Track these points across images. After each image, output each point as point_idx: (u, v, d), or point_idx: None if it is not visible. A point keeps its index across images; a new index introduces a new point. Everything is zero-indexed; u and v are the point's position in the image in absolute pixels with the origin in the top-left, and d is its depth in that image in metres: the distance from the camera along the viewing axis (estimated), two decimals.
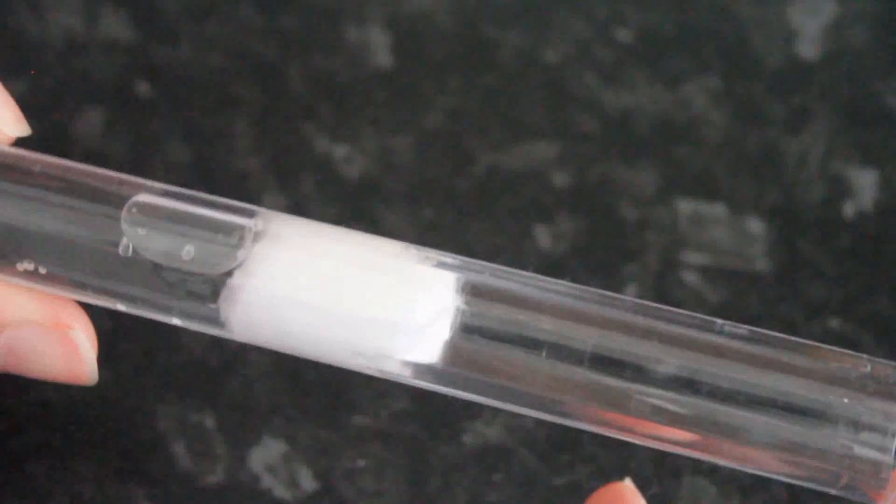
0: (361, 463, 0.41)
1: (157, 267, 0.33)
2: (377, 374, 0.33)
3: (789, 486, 0.33)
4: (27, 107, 0.36)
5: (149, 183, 0.34)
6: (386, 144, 0.47)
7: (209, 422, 0.42)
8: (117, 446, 0.41)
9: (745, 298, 0.45)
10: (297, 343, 0.33)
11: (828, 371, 0.32)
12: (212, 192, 0.44)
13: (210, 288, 0.33)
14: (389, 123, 0.48)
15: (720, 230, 0.46)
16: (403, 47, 0.49)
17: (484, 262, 0.33)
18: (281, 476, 0.41)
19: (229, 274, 0.33)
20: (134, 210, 0.33)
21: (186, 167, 0.47)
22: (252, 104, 0.48)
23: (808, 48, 0.50)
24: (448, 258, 0.33)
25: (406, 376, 0.33)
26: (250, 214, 0.33)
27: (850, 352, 0.32)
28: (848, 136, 0.48)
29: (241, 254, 0.33)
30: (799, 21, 0.50)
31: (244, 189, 0.46)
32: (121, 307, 0.34)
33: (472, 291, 0.33)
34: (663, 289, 0.45)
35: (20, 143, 0.35)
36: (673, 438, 0.32)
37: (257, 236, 0.33)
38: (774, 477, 0.32)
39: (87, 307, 0.35)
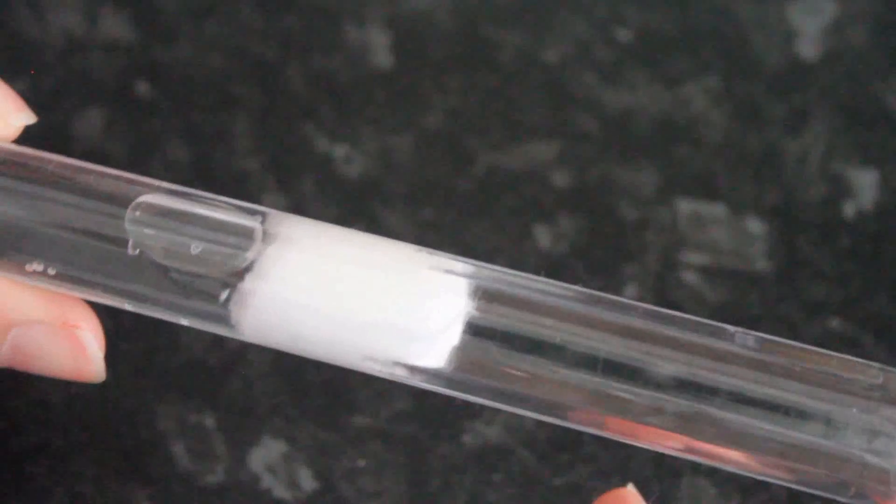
0: (361, 463, 0.41)
1: (164, 267, 0.33)
2: (386, 377, 0.33)
3: (789, 486, 0.33)
4: (27, 107, 0.36)
5: (157, 182, 0.34)
6: (386, 144, 0.47)
7: (209, 422, 0.42)
8: (117, 446, 0.41)
9: (745, 298, 0.45)
10: (308, 346, 0.33)
11: (839, 380, 0.32)
12: (212, 192, 0.44)
13: (219, 289, 0.33)
14: (389, 123, 0.48)
15: (720, 230, 0.46)
16: (403, 47, 0.49)
17: (496, 267, 0.33)
18: (281, 476, 0.41)
19: (238, 275, 0.33)
20: (139, 210, 0.33)
21: (186, 167, 0.47)
22: (252, 104, 0.48)
23: (808, 48, 0.50)
24: (459, 262, 0.33)
25: (416, 381, 0.33)
26: (259, 215, 0.33)
27: (861, 360, 0.32)
28: (848, 136, 0.48)
29: (249, 255, 0.33)
30: (799, 21, 0.50)
31: (244, 189, 0.46)
32: (129, 307, 0.34)
33: (484, 297, 0.32)
34: (663, 289, 0.45)
35: (23, 142, 0.35)
36: (683, 446, 0.32)
37: (266, 238, 0.33)
38: (784, 484, 0.32)
39: (90, 306, 0.35)
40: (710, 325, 0.32)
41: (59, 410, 0.42)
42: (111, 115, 0.48)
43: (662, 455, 0.33)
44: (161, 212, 0.33)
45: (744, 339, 0.32)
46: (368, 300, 0.32)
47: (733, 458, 0.32)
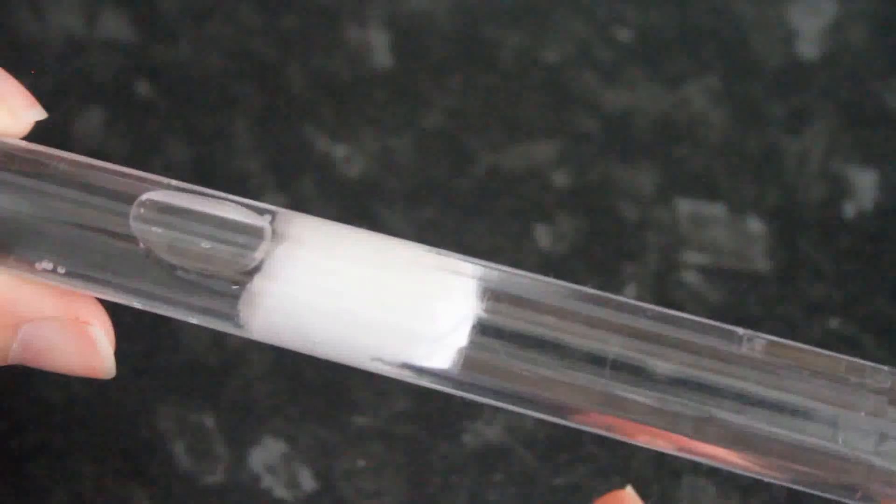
0: (361, 463, 0.41)
1: (171, 266, 0.33)
2: (394, 377, 0.33)
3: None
4: (37, 103, 0.36)
5: (166, 180, 0.34)
6: (386, 144, 0.47)
7: (209, 422, 0.42)
8: (117, 446, 0.41)
9: (745, 298, 0.45)
10: (316, 347, 0.33)
11: (847, 382, 0.31)
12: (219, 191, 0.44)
13: (227, 288, 0.33)
14: (389, 123, 0.48)
15: (720, 230, 0.46)
16: (403, 47, 0.49)
17: (504, 267, 0.33)
18: (281, 476, 0.41)
19: (247, 275, 0.32)
20: (143, 208, 0.33)
21: (186, 167, 0.47)
22: (252, 104, 0.48)
23: (808, 48, 0.50)
24: (468, 263, 0.33)
25: (424, 381, 0.33)
26: (268, 214, 0.33)
27: (869, 363, 0.32)
28: (848, 136, 0.48)
29: (258, 254, 0.32)
30: (799, 21, 0.50)
31: (244, 189, 0.46)
32: (137, 305, 0.34)
33: (493, 298, 0.32)
34: (663, 289, 0.45)
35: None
36: (688, 447, 0.32)
37: (275, 237, 0.33)
38: (791, 487, 0.32)
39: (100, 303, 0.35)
40: (718, 327, 0.32)
41: (59, 410, 0.42)
42: (111, 115, 0.48)
43: (663, 455, 0.33)
44: (168, 209, 0.33)
45: (751, 340, 0.32)
46: (377, 301, 0.32)
47: (740, 460, 0.32)
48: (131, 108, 0.48)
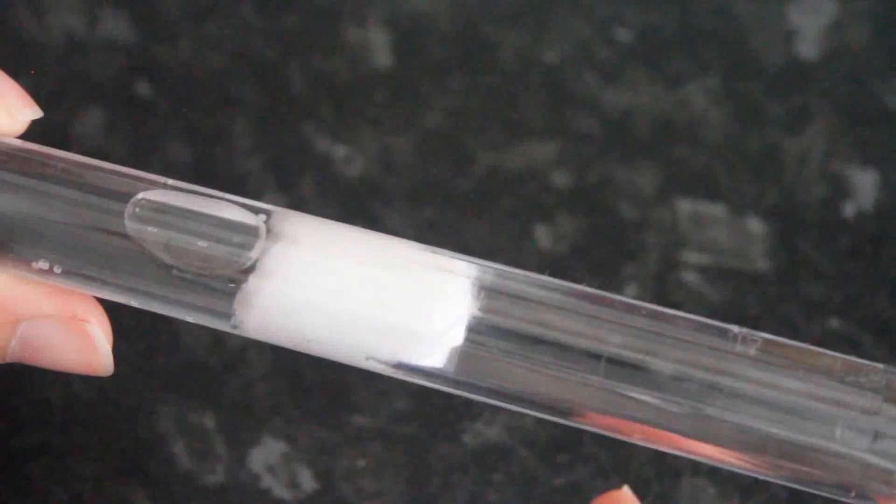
0: (361, 463, 0.41)
1: (167, 265, 0.33)
2: (390, 376, 0.33)
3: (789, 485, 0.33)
4: (33, 102, 0.36)
5: (162, 179, 0.34)
6: (386, 144, 0.47)
7: (209, 422, 0.42)
8: (117, 446, 0.41)
9: (745, 298, 0.45)
10: (311, 345, 0.33)
11: (842, 380, 0.31)
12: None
13: (223, 287, 0.33)
14: (389, 123, 0.48)
15: (720, 230, 0.46)
16: (403, 47, 0.49)
17: (500, 266, 0.33)
18: (281, 476, 0.41)
19: (242, 273, 0.32)
20: (138, 207, 0.33)
21: (186, 167, 0.47)
22: (252, 104, 0.48)
23: (808, 48, 0.50)
24: (464, 261, 0.33)
25: (419, 380, 0.33)
26: (263, 213, 0.33)
27: (865, 361, 0.32)
28: (848, 136, 0.48)
29: (253, 253, 0.32)
30: (799, 21, 0.50)
31: (244, 189, 0.46)
32: (134, 304, 0.34)
33: (489, 296, 0.32)
34: (663, 289, 0.45)
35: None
36: (684, 445, 0.32)
37: (270, 235, 0.33)
38: (786, 485, 0.32)
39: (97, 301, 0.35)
40: (713, 325, 0.32)
41: (59, 410, 0.42)
42: (111, 115, 0.48)
43: (662, 455, 0.33)
44: (163, 208, 0.33)
45: (746, 339, 0.32)
46: (372, 299, 0.32)
47: (735, 458, 0.32)
48: (131, 108, 0.48)
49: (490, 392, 0.32)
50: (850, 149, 0.48)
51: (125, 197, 0.33)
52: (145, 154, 0.47)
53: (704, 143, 0.48)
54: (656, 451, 0.33)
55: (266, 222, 0.33)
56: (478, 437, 0.42)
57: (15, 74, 0.35)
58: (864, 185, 0.47)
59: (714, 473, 0.41)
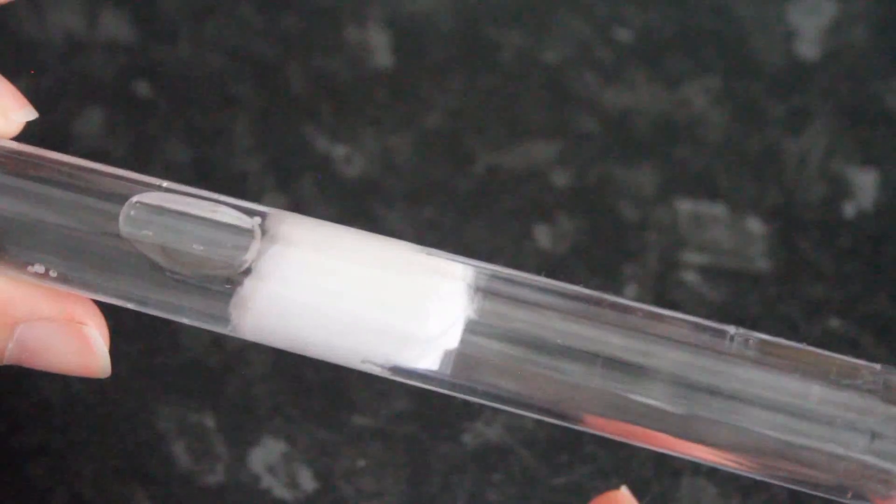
0: (361, 463, 0.41)
1: (162, 267, 0.33)
2: (387, 377, 0.33)
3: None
4: (28, 103, 0.36)
5: (157, 181, 0.34)
6: (386, 144, 0.47)
7: (209, 422, 0.42)
8: (117, 446, 0.41)
9: (745, 298, 0.45)
10: (307, 347, 0.33)
11: (839, 380, 0.31)
12: (212, 192, 0.44)
13: (219, 288, 0.33)
14: (389, 123, 0.48)
15: (720, 230, 0.46)
16: (403, 47, 0.49)
17: (497, 267, 0.33)
18: (281, 476, 0.41)
19: (238, 275, 0.32)
20: (134, 210, 0.33)
21: (186, 167, 0.47)
22: (252, 104, 0.48)
23: (808, 48, 0.50)
24: (461, 263, 0.33)
25: (416, 382, 0.33)
26: (258, 215, 0.33)
27: (862, 361, 0.32)
28: (848, 136, 0.48)
29: (249, 255, 0.32)
30: (799, 21, 0.50)
31: (244, 189, 0.46)
32: (131, 306, 0.34)
33: (486, 298, 0.32)
34: (663, 289, 0.45)
35: (22, 141, 0.35)
36: (682, 446, 0.32)
37: (266, 237, 0.33)
38: (784, 485, 0.32)
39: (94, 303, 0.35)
40: (710, 326, 0.32)
41: (59, 410, 0.42)
42: (111, 115, 0.48)
43: (662, 455, 0.33)
44: (158, 211, 0.33)
45: (743, 339, 0.32)
46: (368, 302, 0.32)
47: (733, 459, 0.32)
48: (131, 108, 0.48)
49: (487, 394, 0.32)
50: (850, 149, 0.48)
51: (121, 199, 0.33)
52: (145, 154, 0.47)
53: (704, 143, 0.48)
54: (656, 451, 0.33)
55: (262, 224, 0.33)
56: (478, 437, 0.42)
57: (15, 74, 0.35)
58: (864, 185, 0.47)
59: (714, 473, 0.41)
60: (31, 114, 0.34)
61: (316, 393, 0.42)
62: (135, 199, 0.33)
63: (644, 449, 0.33)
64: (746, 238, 0.46)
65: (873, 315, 0.44)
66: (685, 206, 0.46)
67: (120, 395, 0.42)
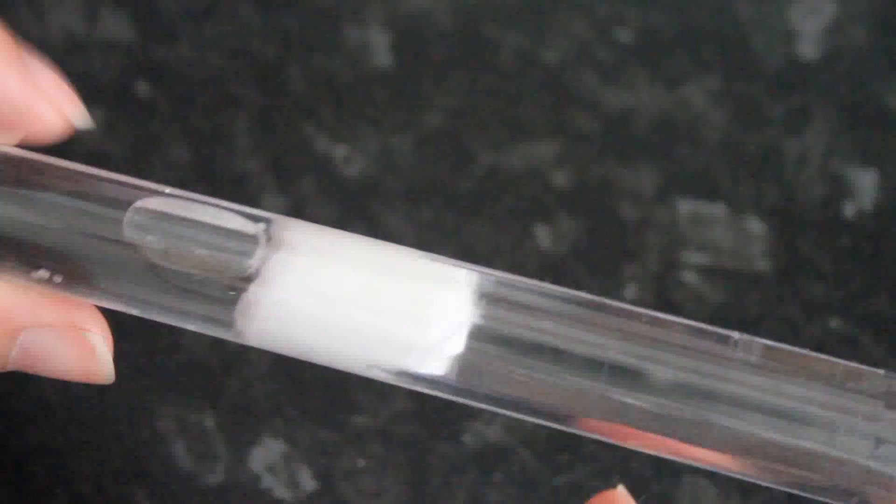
0: (361, 463, 0.41)
1: (167, 273, 0.33)
2: (391, 383, 0.33)
3: None
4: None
5: (160, 187, 0.34)
6: (386, 144, 0.47)
7: (209, 422, 0.42)
8: (117, 446, 0.41)
9: (745, 298, 0.45)
10: (311, 353, 0.33)
11: (843, 386, 0.31)
12: (212, 192, 0.44)
13: (223, 294, 0.33)
14: (389, 123, 0.48)
15: (720, 230, 0.46)
16: (403, 47, 0.49)
17: (500, 273, 0.33)
18: (281, 476, 0.41)
19: (242, 281, 0.32)
20: (137, 215, 0.33)
21: (186, 167, 0.47)
22: (252, 104, 0.48)
23: (808, 48, 0.50)
24: (464, 268, 0.33)
25: (421, 387, 0.33)
26: (262, 221, 0.33)
27: (866, 367, 0.32)
28: (848, 136, 0.48)
29: (253, 261, 0.32)
30: (799, 21, 0.50)
31: (244, 189, 0.46)
32: (135, 312, 0.34)
33: (489, 303, 0.32)
34: (663, 289, 0.45)
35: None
36: (685, 451, 0.32)
37: (270, 244, 0.33)
38: (789, 490, 0.32)
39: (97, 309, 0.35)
40: (714, 332, 0.32)
41: (59, 410, 0.42)
42: (111, 115, 0.48)
43: None
44: (162, 217, 0.33)
45: (747, 344, 0.32)
46: (373, 308, 0.32)
47: (735, 464, 0.32)
48: (131, 108, 0.48)
49: (492, 399, 0.32)
50: (850, 149, 0.48)
51: (124, 205, 0.33)
52: (145, 154, 0.47)
53: (704, 143, 0.48)
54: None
55: (266, 230, 0.33)
56: (478, 437, 0.42)
57: None
58: (864, 185, 0.47)
59: (714, 473, 0.41)
60: (87, 122, 0.35)
61: (316, 393, 0.42)
62: (138, 204, 0.33)
63: None
64: (746, 238, 0.46)
65: (873, 315, 0.44)
66: (685, 206, 0.46)
67: (120, 395, 0.42)
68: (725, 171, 0.47)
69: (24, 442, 0.41)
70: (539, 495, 0.41)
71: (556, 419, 0.32)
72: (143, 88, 0.48)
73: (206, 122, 0.48)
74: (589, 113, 0.48)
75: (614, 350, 0.32)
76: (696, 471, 0.41)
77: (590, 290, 0.45)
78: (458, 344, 0.32)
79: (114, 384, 0.42)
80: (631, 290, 0.45)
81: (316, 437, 0.42)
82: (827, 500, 0.32)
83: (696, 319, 0.44)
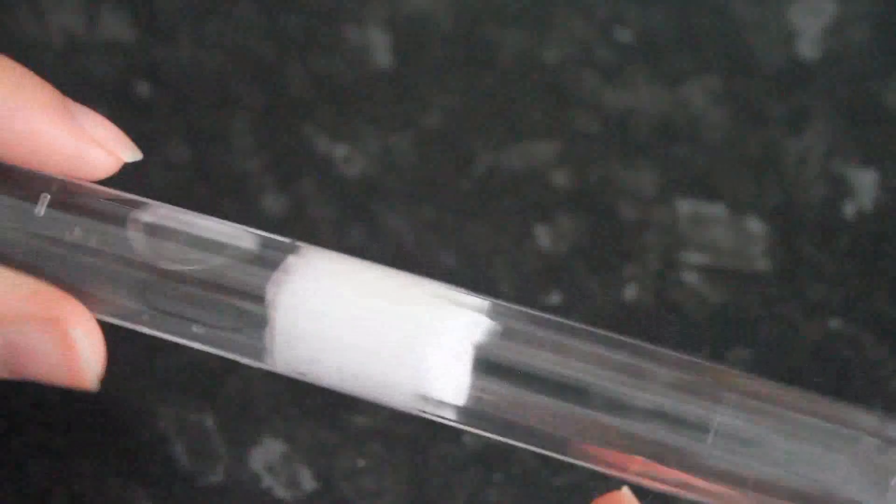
0: (361, 463, 0.41)
1: (179, 294, 0.33)
2: (396, 408, 0.33)
3: None
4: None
5: (176, 209, 0.34)
6: (386, 144, 0.47)
7: (209, 422, 0.42)
8: (117, 446, 0.41)
9: (745, 298, 0.45)
10: (320, 377, 0.33)
11: (832, 425, 0.31)
12: (212, 192, 0.45)
13: (238, 318, 0.33)
14: (389, 123, 0.48)
15: (720, 230, 0.46)
16: (403, 47, 0.49)
17: (508, 304, 0.33)
18: (281, 476, 0.41)
19: (259, 304, 0.33)
20: (147, 234, 0.33)
21: (186, 167, 0.47)
22: (252, 104, 0.48)
23: (808, 48, 0.50)
24: (470, 297, 0.33)
25: (426, 413, 0.33)
26: (280, 246, 0.33)
27: (857, 408, 0.32)
28: (848, 136, 0.48)
29: (270, 286, 0.32)
30: (799, 21, 0.50)
31: (244, 189, 0.46)
32: (145, 331, 0.34)
33: (495, 334, 0.32)
34: (663, 289, 0.45)
35: None
36: (688, 482, 0.32)
37: (282, 268, 0.33)
38: None
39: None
40: (724, 369, 0.32)
41: (59, 410, 0.42)
42: (111, 115, 0.48)
43: None
44: (171, 235, 0.33)
45: (743, 389, 0.32)
46: (380, 333, 0.32)
47: (738, 497, 0.32)
48: (131, 108, 0.48)
49: (497, 428, 0.33)
50: (850, 149, 0.48)
51: (137, 224, 0.33)
52: (145, 154, 0.47)
53: (704, 143, 0.48)
54: None
55: (278, 255, 0.33)
56: (478, 438, 0.42)
57: None
58: (864, 185, 0.47)
59: None
60: (136, 154, 0.35)
61: (316, 393, 0.42)
62: (143, 220, 0.33)
63: None
64: (746, 238, 0.46)
65: (873, 315, 0.44)
66: (685, 206, 0.46)
67: (120, 395, 0.42)
68: (725, 171, 0.47)
69: (24, 442, 0.41)
70: (539, 495, 0.41)
71: (560, 450, 0.33)
72: (143, 88, 0.48)
73: (206, 122, 0.48)
74: (589, 113, 0.48)
75: (615, 381, 0.32)
76: None
77: (590, 290, 0.45)
78: (463, 372, 0.32)
79: (114, 384, 0.42)
80: (631, 290, 0.45)
81: (316, 437, 0.42)
82: None
83: (696, 319, 0.45)
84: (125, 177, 0.36)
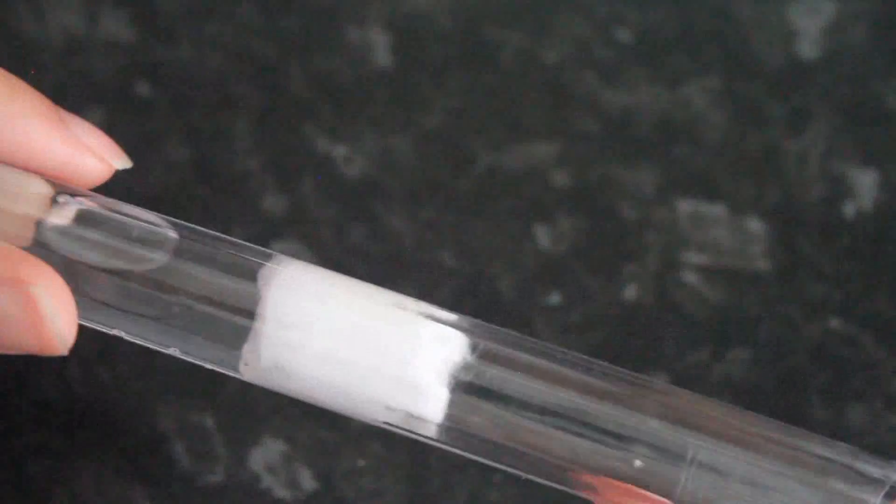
0: (361, 463, 0.41)
1: (168, 304, 0.33)
2: (378, 426, 0.33)
3: None
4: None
5: (166, 221, 0.34)
6: (386, 144, 0.47)
7: (209, 422, 0.42)
8: (117, 446, 0.41)
9: (745, 298, 0.45)
10: (301, 391, 0.33)
11: (814, 460, 0.32)
12: (212, 192, 0.45)
13: (220, 329, 0.33)
14: (389, 123, 0.48)
15: (720, 230, 0.46)
16: (403, 47, 0.49)
17: (492, 326, 0.33)
18: (281, 476, 0.41)
19: (241, 316, 0.33)
20: (137, 247, 0.33)
21: (186, 167, 0.47)
22: (252, 104, 0.48)
23: (808, 48, 0.50)
24: (452, 315, 0.33)
25: (404, 432, 0.33)
26: (261, 258, 0.33)
27: (845, 445, 0.32)
28: (848, 136, 0.48)
29: (254, 296, 0.33)
30: (799, 21, 0.50)
31: (244, 189, 0.46)
32: (138, 342, 0.34)
33: (476, 353, 0.32)
34: (663, 289, 0.45)
35: None
36: None
37: (266, 281, 0.33)
38: None
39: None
40: (716, 403, 0.32)
41: (59, 410, 0.42)
42: (111, 115, 0.48)
43: None
44: (161, 247, 0.33)
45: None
46: (361, 349, 0.32)
47: None
48: (131, 108, 0.48)
49: (476, 449, 0.33)
50: (850, 149, 0.48)
51: (127, 234, 0.33)
52: (145, 154, 0.47)
53: (704, 143, 0.48)
54: None
55: (262, 268, 0.33)
56: None
57: (15, 75, 0.35)
58: (864, 185, 0.47)
59: None
60: (127, 163, 0.35)
61: None
62: (135, 232, 0.33)
63: None
64: (746, 238, 0.46)
65: (873, 315, 0.44)
66: (685, 206, 0.46)
67: (120, 395, 0.42)
68: (725, 171, 0.47)
69: (24, 442, 0.41)
70: (539, 495, 0.41)
71: (542, 473, 0.33)
72: (143, 88, 0.48)
73: (206, 122, 0.48)
74: (589, 113, 0.48)
75: (600, 407, 0.32)
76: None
77: (590, 290, 0.45)
78: (441, 391, 0.32)
79: (114, 384, 0.42)
80: (631, 290, 0.45)
81: (316, 437, 0.42)
82: None
83: (696, 319, 0.45)
84: (125, 177, 0.36)
